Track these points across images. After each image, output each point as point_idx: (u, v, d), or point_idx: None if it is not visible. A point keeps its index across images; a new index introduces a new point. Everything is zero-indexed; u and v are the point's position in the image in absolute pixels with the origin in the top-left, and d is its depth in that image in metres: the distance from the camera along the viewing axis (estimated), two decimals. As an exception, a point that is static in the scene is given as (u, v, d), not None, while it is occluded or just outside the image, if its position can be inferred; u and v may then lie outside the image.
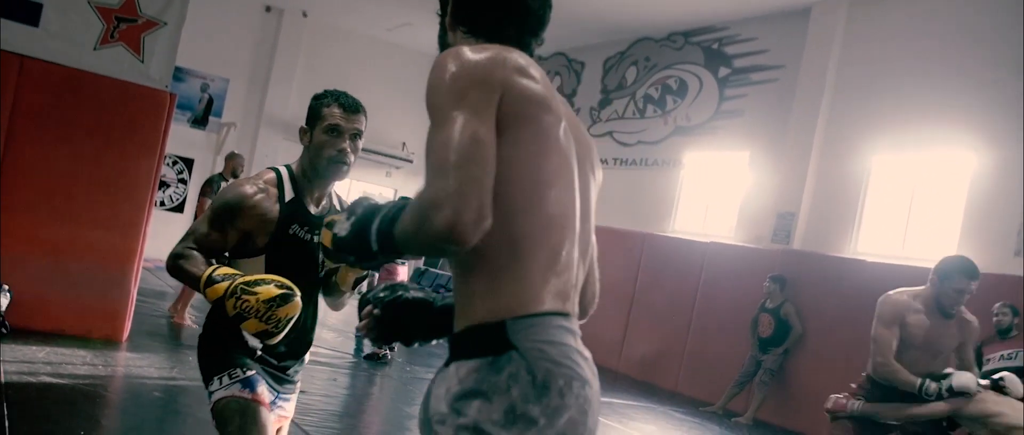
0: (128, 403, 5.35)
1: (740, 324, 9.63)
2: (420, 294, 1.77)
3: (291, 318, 2.29)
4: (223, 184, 7.90)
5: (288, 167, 2.67)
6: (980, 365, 7.32)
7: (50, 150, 6.68)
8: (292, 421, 4.73)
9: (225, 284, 2.31)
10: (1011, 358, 7.11)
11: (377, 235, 1.52)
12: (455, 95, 1.50)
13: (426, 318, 1.77)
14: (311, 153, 2.61)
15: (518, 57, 1.60)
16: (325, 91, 2.64)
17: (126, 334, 6.98)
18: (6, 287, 6.44)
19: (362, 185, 16.73)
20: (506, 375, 1.47)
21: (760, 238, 10.47)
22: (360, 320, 1.82)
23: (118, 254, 6.88)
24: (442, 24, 1.85)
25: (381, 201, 1.63)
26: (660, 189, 12.42)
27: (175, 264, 2.43)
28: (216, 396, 2.49)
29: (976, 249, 8.36)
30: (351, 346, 8.99)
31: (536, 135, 1.55)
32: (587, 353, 1.59)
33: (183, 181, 14.83)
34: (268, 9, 15.45)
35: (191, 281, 2.40)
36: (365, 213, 1.59)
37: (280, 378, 2.68)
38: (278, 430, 2.70)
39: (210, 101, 15.02)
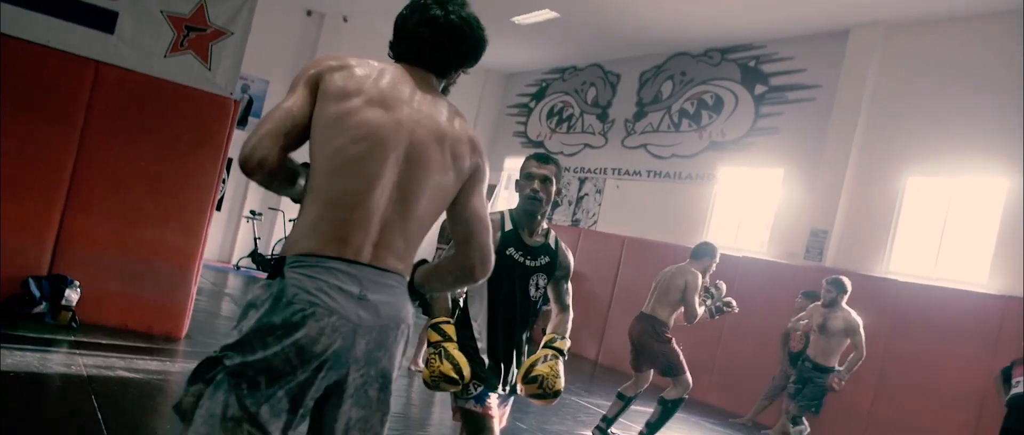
0: (168, 390, 5.60)
1: (770, 338, 9.81)
2: None
3: (445, 389, 3.12)
4: None
5: (510, 209, 3.48)
6: (1008, 385, 7.49)
7: (120, 153, 6.97)
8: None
9: (437, 338, 3.14)
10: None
11: None
12: (292, 83, 2.07)
13: None
14: (518, 195, 3.44)
15: (344, 58, 2.11)
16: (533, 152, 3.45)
17: (185, 331, 7.25)
18: (77, 283, 6.73)
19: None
20: (267, 293, 1.95)
21: (792, 254, 10.65)
22: None
23: (181, 254, 7.16)
24: None
25: None
26: (693, 202, 12.60)
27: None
28: (457, 402, 3.35)
29: (1007, 273, 8.53)
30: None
31: (336, 114, 1.99)
32: (358, 290, 1.97)
33: (222, 180, 15.09)
34: (309, 13, 15.74)
35: (426, 309, 3.20)
36: None
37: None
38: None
39: (250, 101, 15.29)
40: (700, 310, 6.84)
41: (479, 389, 3.29)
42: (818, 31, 11.19)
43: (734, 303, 7.12)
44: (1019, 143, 8.68)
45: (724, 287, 7.14)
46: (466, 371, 3.10)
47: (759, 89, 12.02)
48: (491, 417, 3.29)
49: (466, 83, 17.47)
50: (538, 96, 16.88)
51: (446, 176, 2.11)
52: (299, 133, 2.01)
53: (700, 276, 6.83)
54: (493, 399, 3.33)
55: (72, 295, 6.69)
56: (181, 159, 7.17)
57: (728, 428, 9.22)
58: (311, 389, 1.97)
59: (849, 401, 9.19)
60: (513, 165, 17.04)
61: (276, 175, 2.00)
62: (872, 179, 10.15)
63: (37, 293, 6.57)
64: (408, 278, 2.12)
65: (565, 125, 15.85)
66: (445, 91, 2.29)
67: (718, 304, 7.03)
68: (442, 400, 7.56)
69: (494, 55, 16.65)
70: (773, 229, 11.31)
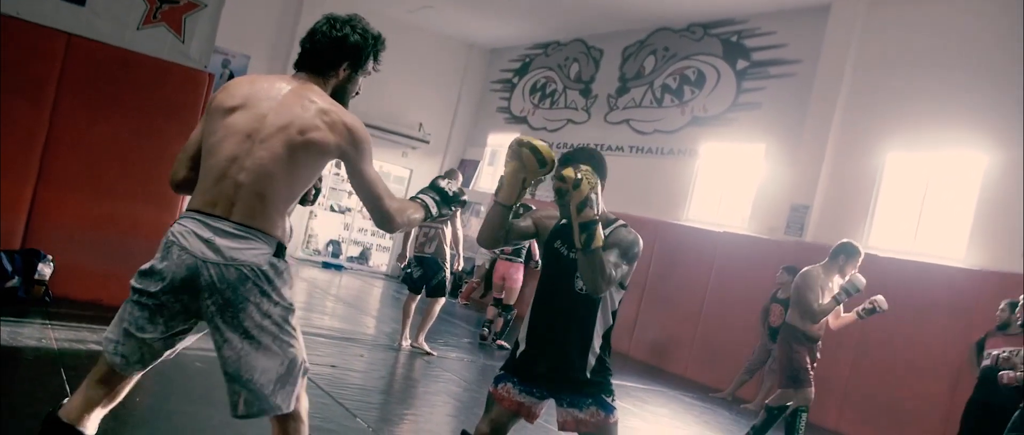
0: (173, 373, 5.55)
1: (751, 313, 9.85)
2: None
3: (528, 156, 3.15)
4: None
5: None
6: (981, 356, 7.49)
7: (93, 125, 6.90)
8: (330, 395, 5.02)
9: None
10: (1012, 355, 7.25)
11: None
12: None
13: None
14: None
15: (230, 84, 2.72)
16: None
17: (159, 306, 7.19)
18: (49, 257, 6.67)
19: (378, 164, 16.87)
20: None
21: (773, 229, 10.67)
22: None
23: (154, 227, 7.06)
24: None
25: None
26: (675, 178, 12.60)
27: None
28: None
29: (984, 248, 8.57)
30: (373, 326, 9.22)
31: (209, 122, 2.64)
32: (209, 235, 2.52)
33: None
34: (290, -13, 15.59)
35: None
36: None
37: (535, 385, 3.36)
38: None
39: (231, 76, 15.17)
40: (845, 314, 6.77)
41: (501, 372, 3.39)
42: (800, 6, 11.16)
43: (880, 301, 6.64)
44: (998, 118, 8.69)
45: (862, 281, 6.51)
46: (550, 153, 3.16)
47: (741, 64, 11.99)
48: (499, 400, 3.32)
49: (449, 59, 17.38)
50: (521, 72, 16.80)
51: (298, 152, 2.61)
52: (199, 150, 2.71)
53: (821, 274, 6.61)
54: (511, 387, 3.32)
55: (45, 269, 6.64)
56: (155, 132, 7.09)
57: (708, 403, 9.25)
58: (170, 308, 2.56)
59: (826, 375, 9.22)
60: (496, 141, 16.98)
61: (193, 185, 2.69)
62: (853, 154, 10.16)
63: (9, 267, 6.51)
64: (273, 234, 2.60)
65: (548, 101, 15.80)
66: (341, 89, 2.80)
67: (867, 306, 6.71)
68: (423, 378, 7.56)
69: (477, 30, 16.55)
70: (754, 204, 11.32)
